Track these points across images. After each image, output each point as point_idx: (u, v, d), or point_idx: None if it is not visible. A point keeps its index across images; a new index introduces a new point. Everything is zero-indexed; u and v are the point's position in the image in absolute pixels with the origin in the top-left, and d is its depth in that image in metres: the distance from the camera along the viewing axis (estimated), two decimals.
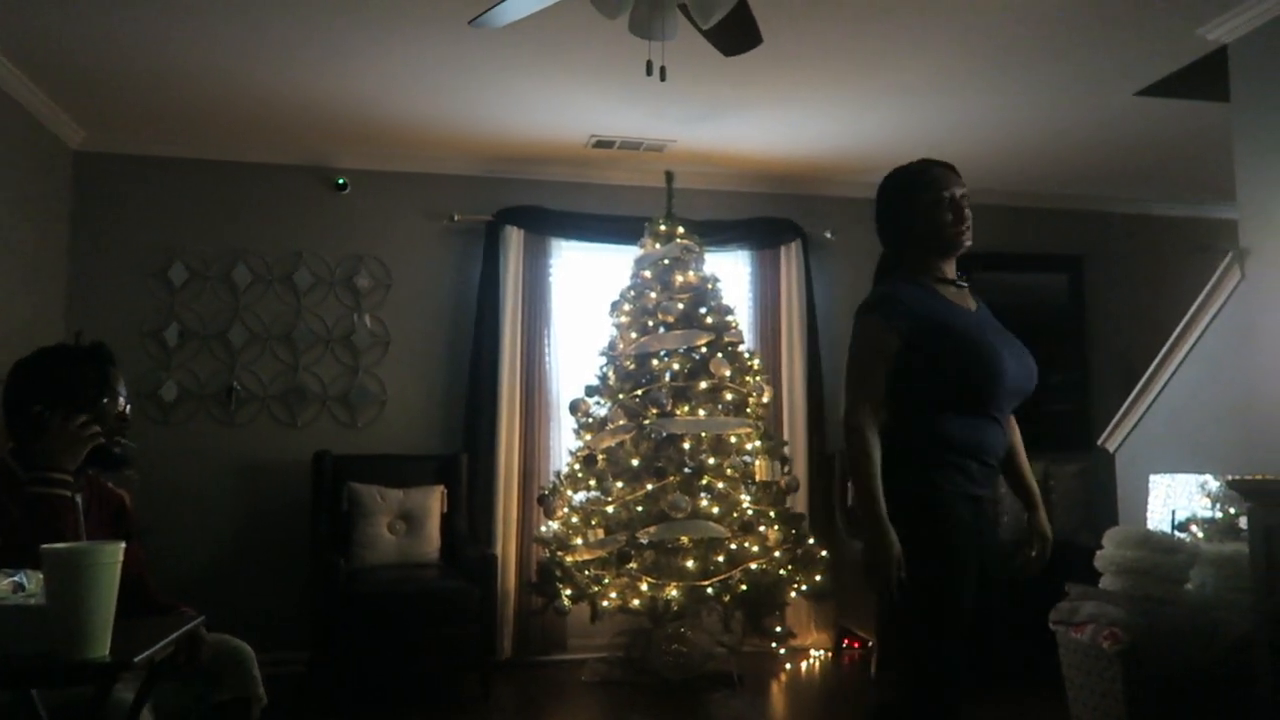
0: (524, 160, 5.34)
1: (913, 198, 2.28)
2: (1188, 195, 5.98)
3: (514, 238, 5.28)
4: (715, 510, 4.39)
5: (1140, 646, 3.26)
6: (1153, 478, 4.06)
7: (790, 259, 5.58)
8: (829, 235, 5.69)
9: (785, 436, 5.28)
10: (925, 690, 2.14)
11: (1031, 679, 3.99)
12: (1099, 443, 4.54)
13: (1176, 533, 3.77)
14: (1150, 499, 4.05)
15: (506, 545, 5.03)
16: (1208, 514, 3.74)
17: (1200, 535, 3.70)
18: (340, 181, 5.20)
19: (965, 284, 2.33)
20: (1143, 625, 3.29)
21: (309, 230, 5.20)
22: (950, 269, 2.31)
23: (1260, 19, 3.54)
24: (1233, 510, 3.56)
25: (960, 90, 4.39)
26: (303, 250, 5.17)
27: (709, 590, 4.28)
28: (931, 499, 2.13)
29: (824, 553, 4.59)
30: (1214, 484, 3.74)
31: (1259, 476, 3.06)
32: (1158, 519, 3.98)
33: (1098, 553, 3.73)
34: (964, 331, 2.19)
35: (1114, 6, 3.57)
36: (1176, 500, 3.94)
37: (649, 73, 2.91)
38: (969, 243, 2.28)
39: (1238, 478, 3.09)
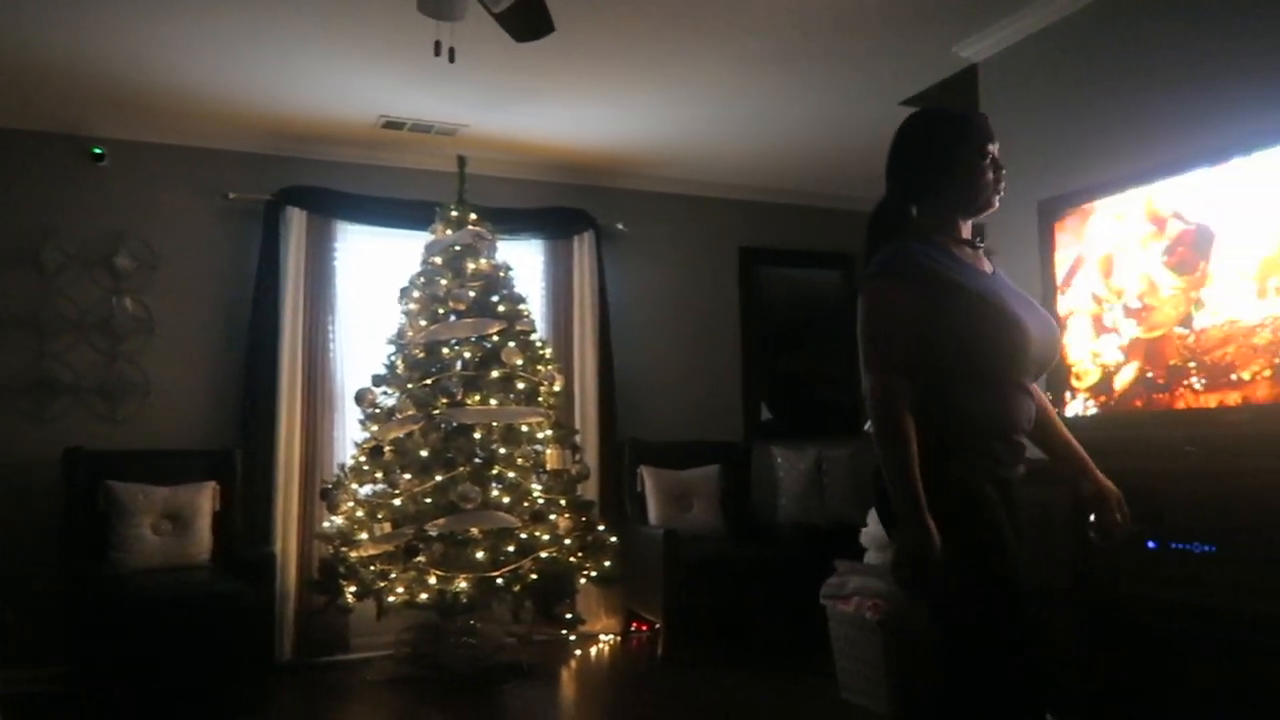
0: (308, 138, 5.09)
1: (954, 147, 2.01)
2: None
3: (296, 219, 5.02)
4: (506, 500, 4.37)
5: (898, 615, 3.54)
6: None
7: (583, 249, 5.63)
8: (621, 227, 5.79)
9: (577, 425, 5.32)
10: None
11: (804, 651, 4.26)
12: (865, 428, 4.87)
13: None
14: None
15: (286, 543, 4.79)
16: None
17: None
18: (97, 151, 4.76)
19: (981, 244, 2.08)
20: (900, 596, 3.57)
21: (59, 204, 4.72)
22: (968, 230, 2.06)
23: (1006, 41, 3.90)
24: None
25: (746, 92, 4.58)
26: (52, 226, 4.68)
27: (499, 581, 4.25)
28: (959, 492, 1.85)
29: (613, 539, 4.67)
30: None
31: None
32: None
33: (862, 530, 4.01)
34: (984, 294, 1.94)
35: (881, 21, 3.83)
36: None
37: (437, 53, 2.85)
38: (998, 207, 2.07)
39: None
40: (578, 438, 4.94)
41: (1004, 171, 2.04)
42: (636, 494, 5.38)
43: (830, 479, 5.43)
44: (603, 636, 5.25)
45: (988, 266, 2.06)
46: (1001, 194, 2.04)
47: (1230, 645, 2.47)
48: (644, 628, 5.28)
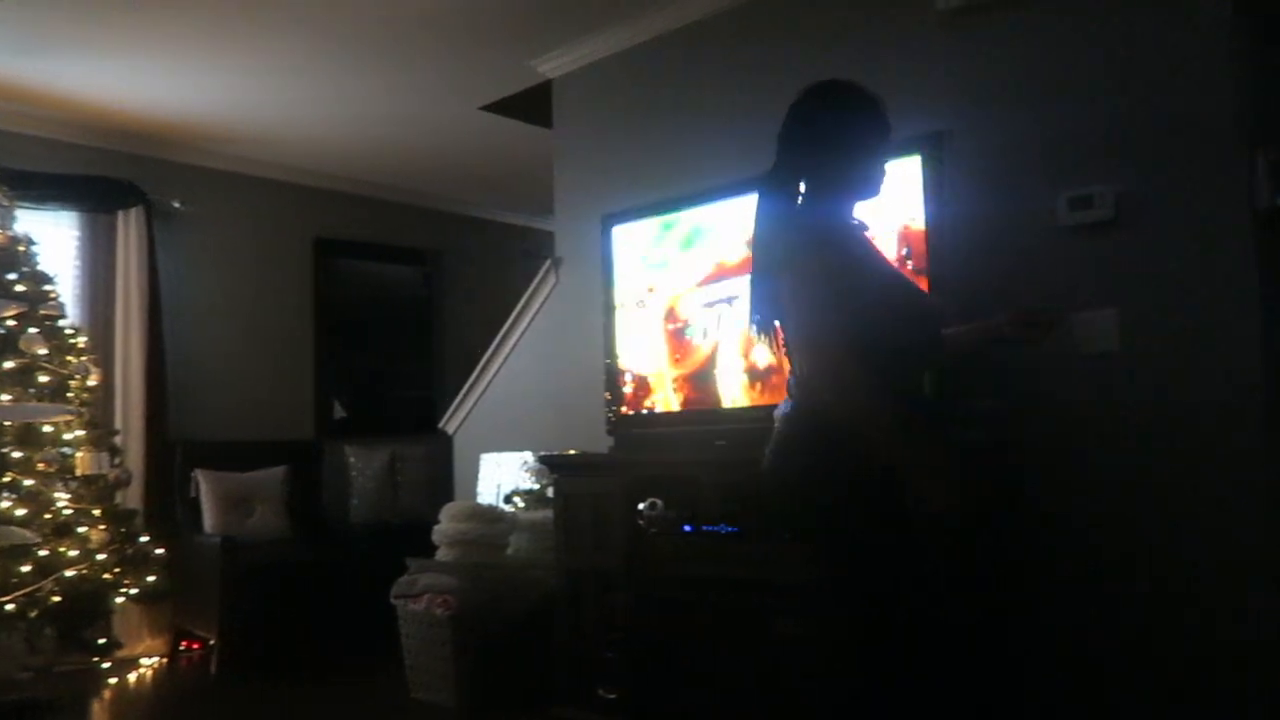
0: None
1: (869, 131, 1.94)
2: (523, 206, 6.78)
3: None
4: (22, 512, 3.76)
5: (468, 609, 3.61)
6: (484, 456, 4.52)
7: (130, 226, 5.02)
8: (179, 205, 5.25)
9: (118, 425, 4.73)
10: None
11: (376, 654, 4.18)
12: (440, 425, 4.92)
13: (504, 504, 4.26)
14: (481, 476, 4.51)
15: None
16: (528, 486, 4.28)
17: (521, 505, 4.22)
18: None
19: (867, 228, 2.04)
20: (470, 589, 3.64)
21: None
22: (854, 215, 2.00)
23: (580, 62, 4.15)
24: (544, 482, 4.12)
25: (326, 76, 4.39)
26: None
27: (9, 607, 3.64)
28: (882, 487, 1.75)
29: (159, 550, 4.22)
30: (532, 460, 4.29)
31: (564, 452, 3.59)
32: (488, 494, 4.45)
33: (435, 528, 4.03)
34: (900, 279, 1.91)
35: (464, 28, 3.89)
36: (504, 476, 4.44)
37: None
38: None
39: (547, 454, 3.59)
40: (118, 439, 4.39)
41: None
42: (190, 500, 4.91)
43: (404, 477, 5.39)
44: (145, 660, 4.70)
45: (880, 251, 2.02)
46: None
47: (749, 610, 2.85)
48: (196, 646, 4.83)
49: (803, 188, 1.97)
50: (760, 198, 1.97)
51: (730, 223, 3.23)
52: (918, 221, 2.73)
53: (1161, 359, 2.50)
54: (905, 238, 2.75)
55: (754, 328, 1.96)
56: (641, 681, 3.10)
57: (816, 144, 1.94)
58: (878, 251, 2.03)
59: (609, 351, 3.57)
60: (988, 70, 2.88)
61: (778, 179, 1.96)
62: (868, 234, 2.03)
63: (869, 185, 1.99)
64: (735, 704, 2.85)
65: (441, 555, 3.99)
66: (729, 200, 3.24)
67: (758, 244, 1.96)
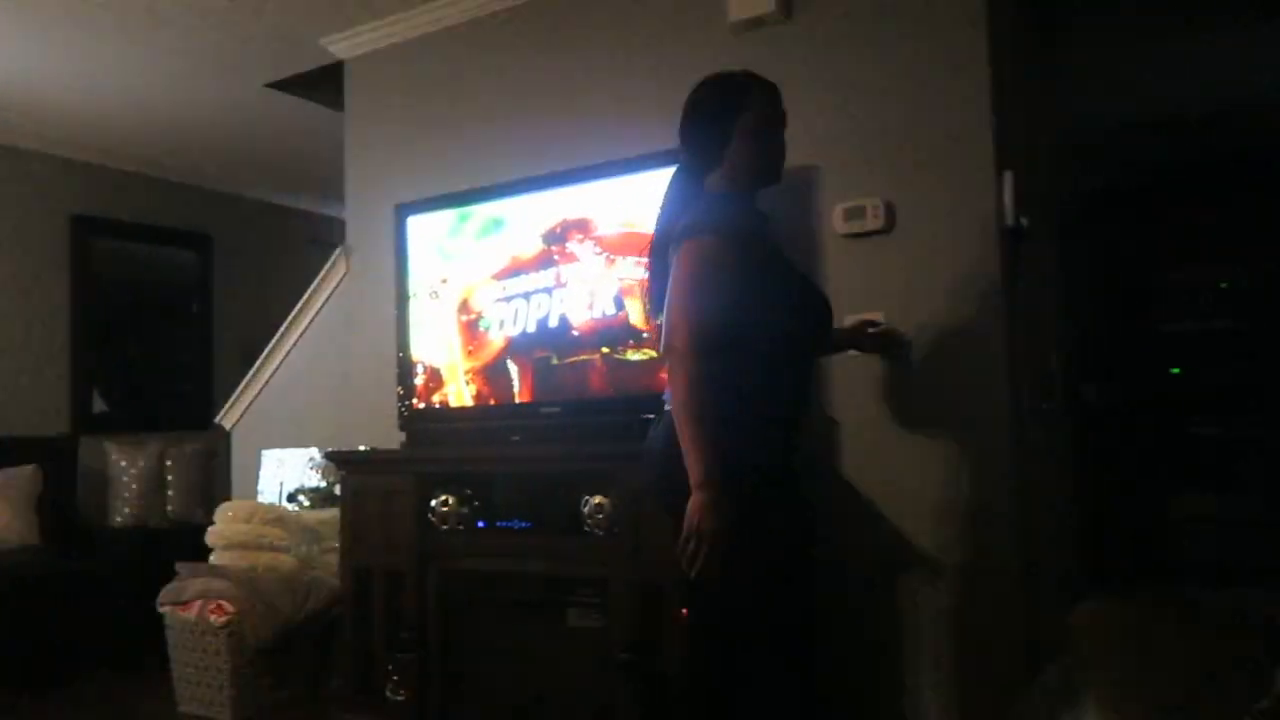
0: None
1: (766, 119, 2.05)
2: (311, 189, 6.46)
3: None
4: None
5: (245, 614, 3.42)
6: (265, 452, 4.29)
7: None
8: None
9: None
10: None
11: (140, 668, 3.88)
12: (217, 420, 4.62)
13: (287, 503, 4.05)
14: (263, 473, 4.28)
15: None
16: (314, 484, 4.10)
17: (306, 504, 4.03)
18: None
19: (768, 218, 2.12)
20: (247, 594, 3.46)
21: None
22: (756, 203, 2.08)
23: (374, 44, 3.99)
24: (331, 479, 3.96)
25: (90, 38, 3.99)
26: None
27: None
28: (758, 476, 1.83)
29: None
30: (319, 456, 4.11)
31: (354, 448, 3.46)
32: (270, 492, 4.22)
33: (209, 529, 3.80)
34: (794, 267, 2.03)
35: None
36: (287, 473, 4.23)
37: None
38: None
39: (336, 449, 3.45)
40: None
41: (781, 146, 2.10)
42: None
43: (175, 476, 5.02)
44: None
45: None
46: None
47: (542, 604, 2.88)
48: None
49: (707, 177, 2.05)
50: (669, 186, 2.06)
51: (526, 218, 3.22)
52: None
53: (923, 362, 2.72)
54: None
55: (649, 306, 2.10)
56: (432, 681, 3.05)
57: (714, 134, 2.02)
58: (777, 242, 2.12)
59: (402, 343, 3.48)
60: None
61: (683, 168, 2.06)
62: (769, 224, 2.12)
63: (771, 170, 2.08)
64: (529, 698, 2.86)
65: (216, 559, 3.76)
66: (526, 195, 3.24)
67: (659, 225, 2.04)
